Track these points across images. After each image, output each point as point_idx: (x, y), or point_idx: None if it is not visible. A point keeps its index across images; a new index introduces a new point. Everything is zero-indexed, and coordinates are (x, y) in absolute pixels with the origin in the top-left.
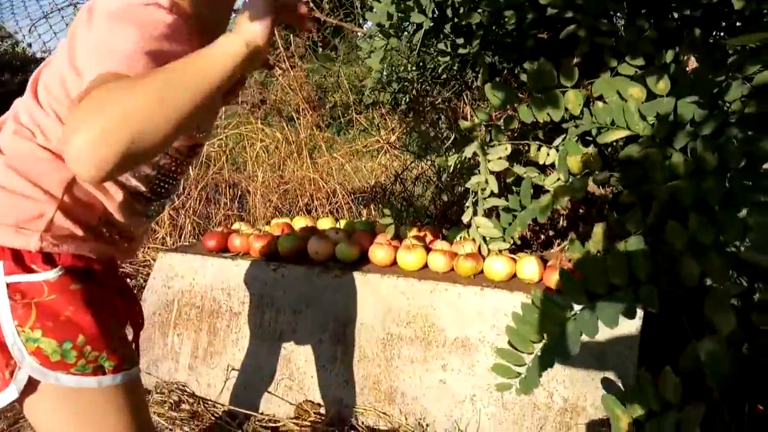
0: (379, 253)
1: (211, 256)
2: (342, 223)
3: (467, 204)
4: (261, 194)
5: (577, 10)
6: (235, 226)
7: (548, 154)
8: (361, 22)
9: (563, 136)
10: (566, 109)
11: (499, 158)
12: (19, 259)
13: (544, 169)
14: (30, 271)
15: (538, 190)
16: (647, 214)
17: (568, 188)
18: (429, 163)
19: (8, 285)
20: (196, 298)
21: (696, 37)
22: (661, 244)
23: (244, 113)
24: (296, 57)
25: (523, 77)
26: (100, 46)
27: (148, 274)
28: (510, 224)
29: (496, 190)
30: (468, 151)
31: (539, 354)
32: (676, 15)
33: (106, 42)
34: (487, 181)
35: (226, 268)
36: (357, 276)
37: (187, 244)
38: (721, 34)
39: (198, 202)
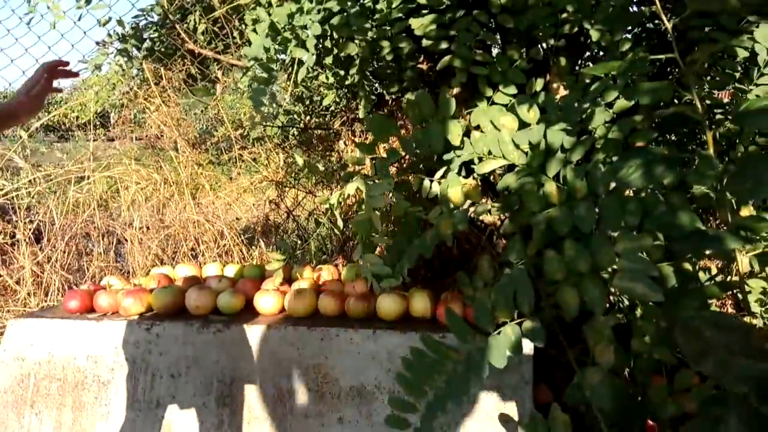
0: (264, 301)
1: (73, 319)
2: (229, 270)
3: (356, 241)
4: (139, 242)
5: (452, 40)
6: (105, 281)
7: (430, 188)
8: (241, 53)
9: (444, 168)
10: (446, 140)
11: (382, 194)
12: None
13: (430, 202)
14: None
15: (425, 224)
16: (528, 243)
17: (451, 220)
18: (321, 197)
19: None
20: (57, 370)
21: (562, 66)
22: (541, 273)
23: (116, 154)
24: (169, 91)
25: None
26: None
27: None
28: (399, 260)
29: (379, 228)
30: (350, 188)
31: (431, 400)
32: (544, 45)
33: None
34: (371, 219)
35: (92, 332)
36: (241, 329)
37: (53, 305)
38: (588, 63)
39: (67, 254)
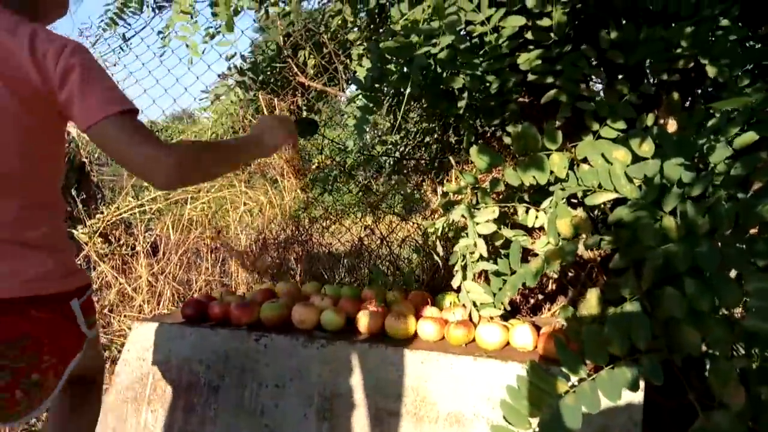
0: (366, 321)
1: (189, 325)
2: (328, 289)
3: (456, 268)
4: (243, 259)
5: (557, 75)
6: (216, 293)
7: (537, 217)
8: (344, 86)
9: (550, 198)
10: (551, 172)
11: (487, 221)
12: None
13: (530, 232)
14: None
15: (526, 253)
16: (639, 278)
17: (559, 252)
18: (415, 225)
19: None
20: (173, 372)
21: (675, 101)
22: (654, 310)
23: (228, 177)
24: None
25: (507, 140)
26: None
27: (123, 345)
28: (500, 289)
29: (485, 254)
30: (455, 214)
31: (537, 431)
32: (653, 80)
33: None
34: (475, 245)
35: (206, 339)
36: (343, 346)
37: (166, 312)
38: (701, 99)
39: (178, 267)
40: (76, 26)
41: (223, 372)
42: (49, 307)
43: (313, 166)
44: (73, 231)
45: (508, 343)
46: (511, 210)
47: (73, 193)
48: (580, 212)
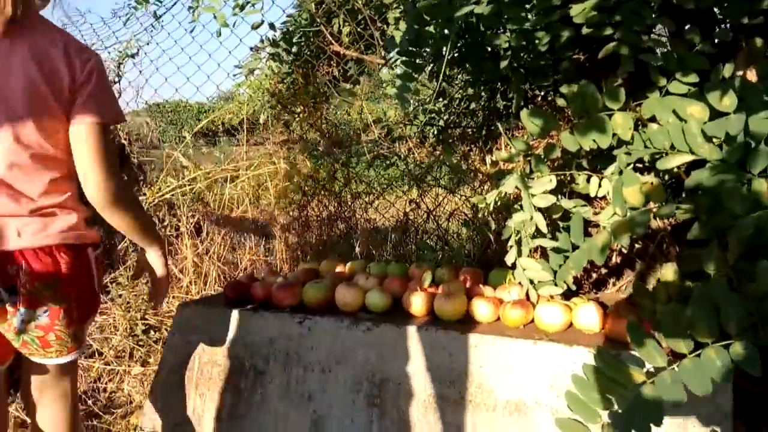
0: (414, 301)
1: (231, 308)
2: (373, 267)
3: (510, 243)
4: (285, 237)
5: (616, 26)
6: (258, 273)
7: (600, 185)
8: (382, 54)
9: (614, 164)
10: (614, 135)
11: (544, 192)
12: None
13: (590, 201)
14: None
15: (586, 225)
16: (724, 250)
17: (629, 224)
18: (463, 198)
19: None
20: (218, 355)
21: (757, 48)
22: (743, 286)
23: (266, 154)
24: (315, 93)
25: (561, 102)
26: None
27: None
28: (560, 266)
29: (544, 229)
30: (508, 186)
31: (609, 425)
32: (729, 25)
33: None
34: (532, 219)
35: (249, 322)
36: (390, 329)
37: (212, 293)
38: None
39: (222, 247)
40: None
41: (267, 356)
42: (73, 253)
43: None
44: None
45: (570, 324)
46: (569, 178)
47: None
48: (651, 178)
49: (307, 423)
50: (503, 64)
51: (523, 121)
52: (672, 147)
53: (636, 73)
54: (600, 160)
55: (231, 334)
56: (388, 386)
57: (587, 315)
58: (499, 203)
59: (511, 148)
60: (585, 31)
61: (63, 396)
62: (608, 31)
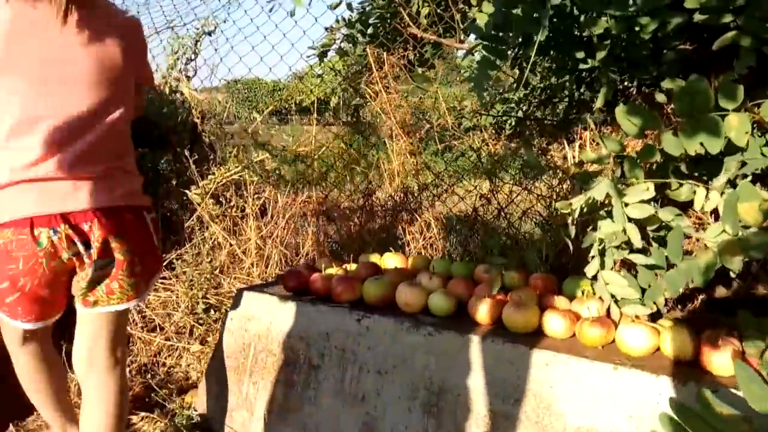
0: (480, 308)
1: (290, 298)
2: (436, 264)
3: (592, 253)
4: (348, 225)
5: (737, 12)
6: (318, 263)
7: (707, 197)
8: (462, 38)
9: (724, 174)
10: (726, 139)
11: (641, 201)
12: None
13: (684, 211)
14: None
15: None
16: None
17: (742, 244)
18: (538, 196)
19: None
20: (273, 345)
21: None
22: None
23: (334, 138)
24: (390, 78)
25: (660, 98)
26: None
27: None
28: (650, 284)
29: (637, 243)
30: (597, 192)
31: None
32: None
33: None
34: (624, 231)
35: (306, 314)
36: (453, 336)
37: (272, 280)
38: None
39: (286, 231)
40: None
41: (323, 351)
42: (135, 214)
43: (424, 129)
44: (186, 192)
45: (657, 349)
46: (660, 184)
47: (186, 153)
48: None
49: (358, 424)
50: (600, 54)
51: (618, 119)
52: None
53: (756, 68)
54: (703, 167)
55: (287, 325)
56: (446, 396)
57: (679, 340)
58: (585, 209)
59: (601, 147)
60: (698, 17)
61: (114, 364)
62: (727, 18)
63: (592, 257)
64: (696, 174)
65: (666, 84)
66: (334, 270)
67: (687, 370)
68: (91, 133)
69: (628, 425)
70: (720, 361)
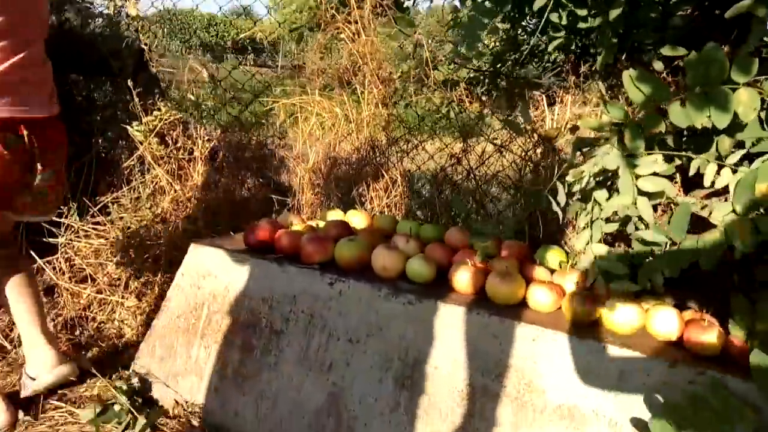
0: (462, 277)
1: (252, 255)
2: (401, 225)
3: (581, 224)
4: (311, 179)
5: None
6: (283, 217)
7: (718, 174)
8: None
9: (742, 152)
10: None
11: (653, 173)
12: None
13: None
14: None
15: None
16: None
17: (754, 225)
18: (510, 157)
19: None
20: (231, 306)
21: None
22: None
23: (300, 82)
24: (369, 18)
25: (657, 66)
26: None
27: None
28: (647, 261)
29: (649, 219)
30: (609, 161)
31: None
32: None
33: None
34: (635, 204)
35: (271, 274)
36: (435, 306)
37: (230, 235)
38: None
39: (236, 181)
40: None
41: (287, 315)
42: (58, 121)
43: (397, 77)
44: (127, 127)
45: (643, 328)
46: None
47: (129, 83)
48: None
49: (323, 394)
50: (614, 12)
51: (625, 85)
52: None
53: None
54: (691, 141)
55: (249, 286)
56: (422, 368)
57: (666, 321)
58: (593, 180)
59: (603, 113)
60: None
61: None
62: None
63: (582, 229)
64: (684, 149)
65: (666, 51)
66: (300, 227)
67: (673, 351)
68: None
69: (611, 404)
70: (705, 341)
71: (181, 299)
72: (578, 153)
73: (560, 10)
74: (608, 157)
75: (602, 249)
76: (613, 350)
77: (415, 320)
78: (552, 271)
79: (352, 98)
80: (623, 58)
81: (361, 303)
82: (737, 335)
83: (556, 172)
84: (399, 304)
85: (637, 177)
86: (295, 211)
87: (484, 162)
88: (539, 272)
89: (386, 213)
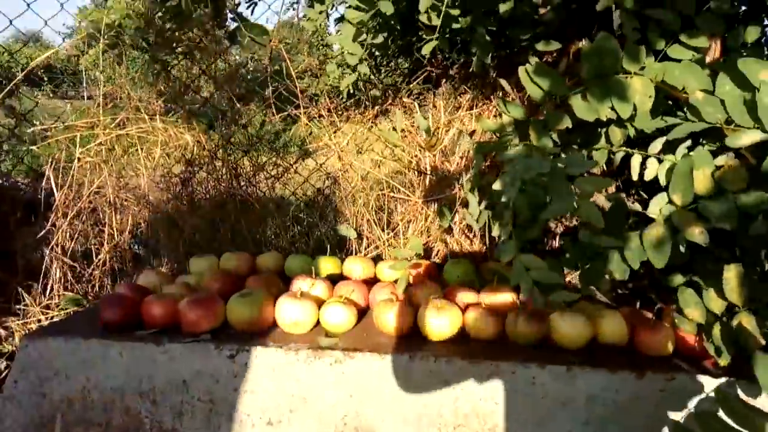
0: (389, 317)
1: (115, 338)
2: (292, 261)
3: (502, 235)
4: (166, 222)
5: None
6: (145, 278)
7: (643, 167)
8: None
9: (662, 140)
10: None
11: (588, 174)
12: None
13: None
14: None
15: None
16: None
17: (698, 215)
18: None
19: None
20: (97, 411)
21: None
22: None
23: (132, 108)
24: (214, 31)
25: (532, 62)
26: None
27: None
28: (586, 267)
29: (600, 223)
30: (539, 166)
31: None
32: None
33: None
34: (584, 210)
35: (146, 359)
36: (370, 360)
37: (72, 312)
38: None
39: (70, 237)
40: None
41: (180, 408)
42: None
43: (261, 95)
44: None
45: (593, 338)
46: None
47: None
48: (727, 159)
49: None
50: (504, 6)
51: (522, 81)
52: (728, 122)
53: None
54: (577, 135)
55: (117, 380)
56: None
57: (613, 326)
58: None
59: (502, 114)
60: None
61: None
62: None
63: (505, 241)
64: (570, 143)
65: (540, 46)
66: (173, 288)
67: (630, 357)
68: None
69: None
70: (657, 342)
71: (19, 415)
72: (482, 159)
73: (430, 11)
74: (532, 160)
75: (532, 259)
76: (579, 373)
77: (347, 382)
78: (478, 291)
79: (203, 122)
80: (503, 56)
81: (275, 373)
82: (688, 329)
83: (457, 181)
84: (324, 365)
85: (571, 178)
86: (161, 269)
87: (364, 178)
88: (467, 296)
89: (270, 252)
